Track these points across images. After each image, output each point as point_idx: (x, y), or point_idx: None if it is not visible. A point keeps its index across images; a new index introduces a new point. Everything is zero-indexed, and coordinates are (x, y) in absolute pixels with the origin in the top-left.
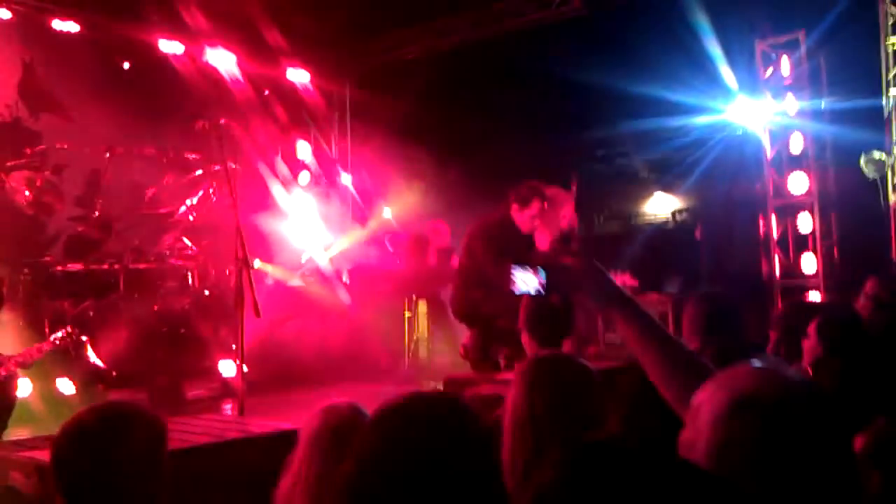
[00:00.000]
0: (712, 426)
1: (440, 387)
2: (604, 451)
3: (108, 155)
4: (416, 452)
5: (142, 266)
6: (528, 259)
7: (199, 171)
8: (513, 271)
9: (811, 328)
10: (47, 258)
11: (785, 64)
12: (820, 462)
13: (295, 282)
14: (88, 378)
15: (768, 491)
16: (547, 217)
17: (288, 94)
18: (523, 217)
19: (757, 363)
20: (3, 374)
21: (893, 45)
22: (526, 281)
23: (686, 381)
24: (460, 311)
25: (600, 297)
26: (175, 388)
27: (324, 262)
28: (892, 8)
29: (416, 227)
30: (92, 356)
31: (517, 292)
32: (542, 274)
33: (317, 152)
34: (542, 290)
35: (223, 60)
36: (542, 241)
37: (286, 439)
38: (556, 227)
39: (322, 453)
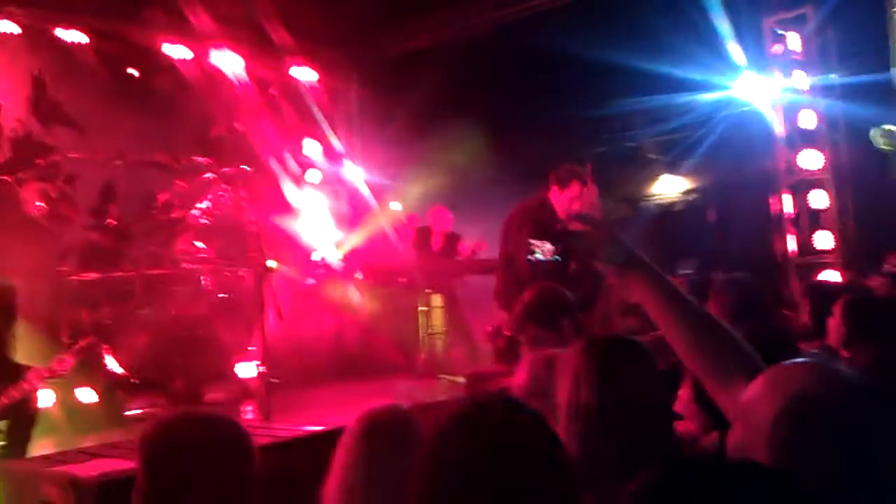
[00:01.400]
0: (772, 427)
1: (460, 380)
2: (697, 470)
3: (119, 163)
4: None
5: (157, 272)
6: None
7: (211, 175)
8: (529, 242)
9: (836, 308)
10: (63, 268)
11: (793, 39)
12: (884, 461)
13: (308, 281)
14: (108, 386)
15: (832, 490)
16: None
17: (295, 92)
18: (562, 199)
19: (808, 358)
20: (26, 388)
21: None
22: (541, 249)
23: (716, 352)
24: (504, 300)
25: (616, 261)
26: (194, 392)
27: (336, 260)
28: None
29: (421, 218)
30: (111, 364)
31: (532, 260)
32: (558, 241)
33: (326, 150)
34: (557, 257)
35: (230, 62)
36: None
37: (315, 441)
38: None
39: (370, 454)
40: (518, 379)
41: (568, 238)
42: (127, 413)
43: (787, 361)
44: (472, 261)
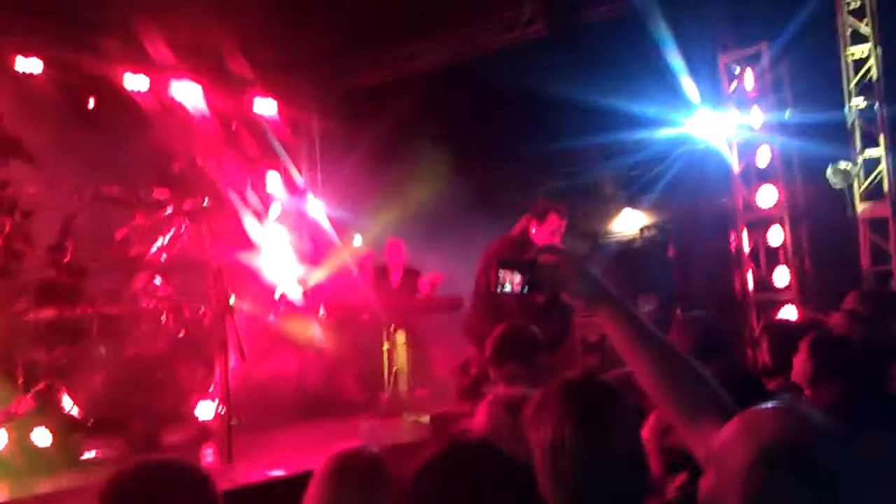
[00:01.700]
0: (747, 473)
1: (424, 420)
2: None
3: (76, 197)
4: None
5: (115, 310)
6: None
7: (170, 209)
8: (498, 271)
9: (802, 345)
10: (18, 306)
11: (748, 77)
12: None
13: (270, 318)
14: (64, 427)
15: None
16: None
17: (256, 124)
18: (542, 233)
19: (779, 401)
20: None
21: (853, 55)
22: (510, 281)
23: (685, 390)
24: (474, 334)
25: (584, 294)
26: (152, 433)
27: (298, 296)
28: (850, 19)
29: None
30: (67, 404)
31: (499, 291)
32: (526, 272)
33: (287, 183)
34: (524, 289)
35: (189, 93)
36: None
37: (279, 487)
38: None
39: (342, 496)
40: (478, 422)
41: (536, 269)
42: (83, 455)
43: (760, 406)
44: (435, 299)
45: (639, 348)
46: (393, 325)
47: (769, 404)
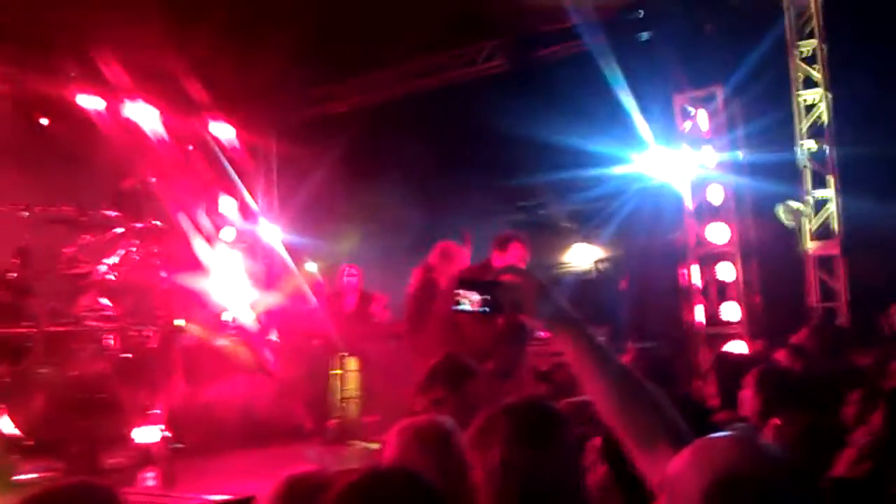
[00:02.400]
0: (702, 503)
1: (373, 448)
2: None
3: (25, 214)
4: None
5: (59, 329)
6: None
7: (120, 230)
8: (458, 289)
9: (748, 380)
10: None
11: (702, 117)
12: None
13: (219, 341)
14: (2, 447)
15: None
16: (441, 270)
17: (212, 148)
18: (505, 261)
19: (733, 433)
20: None
21: (804, 99)
22: (468, 300)
23: (640, 414)
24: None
25: (544, 315)
26: (92, 456)
27: (249, 320)
28: (802, 65)
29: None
30: (6, 424)
31: (456, 309)
32: (486, 292)
33: (241, 207)
34: (483, 308)
35: (145, 115)
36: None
37: None
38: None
39: None
40: (387, 451)
41: (497, 289)
42: (20, 476)
43: (714, 435)
44: (389, 325)
45: (598, 371)
46: (345, 350)
47: (724, 434)
